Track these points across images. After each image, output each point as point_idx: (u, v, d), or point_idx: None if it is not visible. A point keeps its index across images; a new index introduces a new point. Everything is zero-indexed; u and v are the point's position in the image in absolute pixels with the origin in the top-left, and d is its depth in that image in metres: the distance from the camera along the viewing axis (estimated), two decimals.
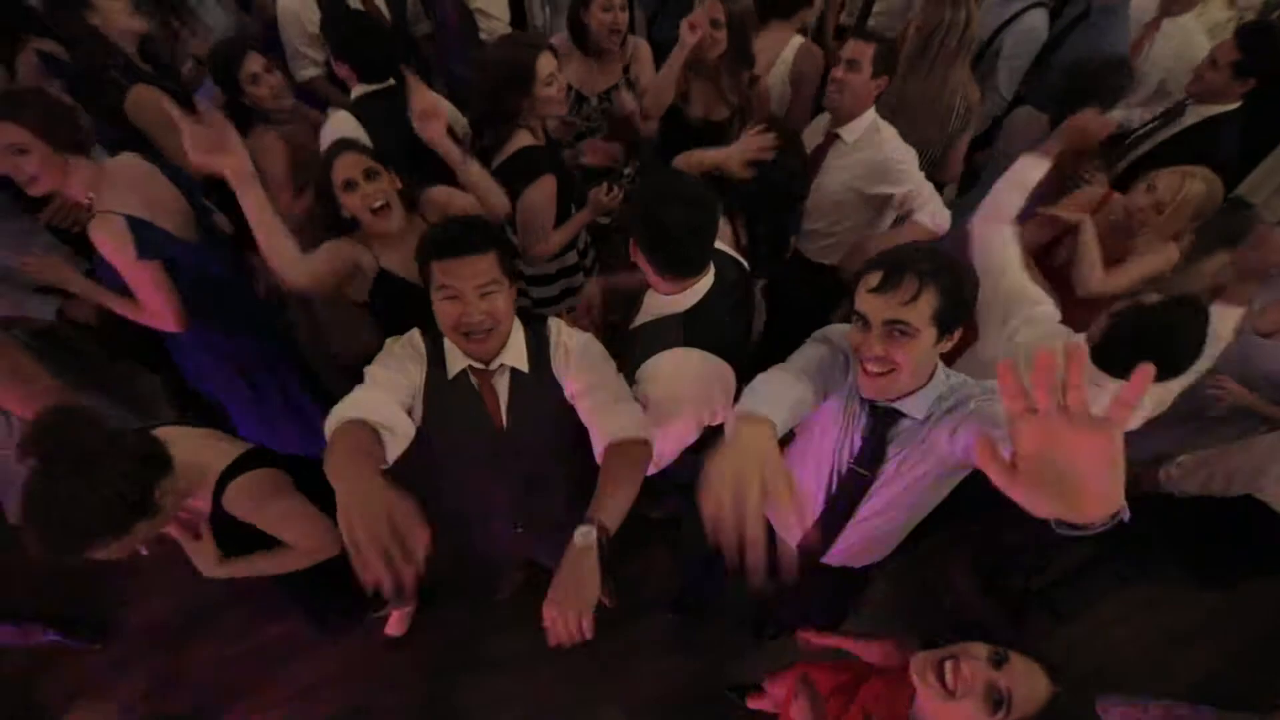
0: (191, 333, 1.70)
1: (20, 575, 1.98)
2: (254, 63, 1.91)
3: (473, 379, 1.26)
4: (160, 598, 2.21)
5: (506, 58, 1.71)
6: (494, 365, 1.25)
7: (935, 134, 2.18)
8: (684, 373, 1.31)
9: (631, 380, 1.34)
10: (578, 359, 1.27)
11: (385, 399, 1.13)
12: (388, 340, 1.28)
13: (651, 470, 1.26)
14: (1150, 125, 2.42)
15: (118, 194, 1.52)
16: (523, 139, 1.77)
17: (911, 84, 2.10)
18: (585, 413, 1.25)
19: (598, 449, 1.20)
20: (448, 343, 1.25)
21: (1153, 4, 2.55)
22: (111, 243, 1.49)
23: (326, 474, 0.92)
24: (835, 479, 1.28)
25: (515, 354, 1.26)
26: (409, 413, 1.17)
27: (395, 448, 1.10)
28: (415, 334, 1.29)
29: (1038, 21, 2.50)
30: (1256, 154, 2.87)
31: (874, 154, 1.89)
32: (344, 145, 1.52)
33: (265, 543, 1.36)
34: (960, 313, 1.06)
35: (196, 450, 1.27)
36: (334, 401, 1.10)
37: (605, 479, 1.09)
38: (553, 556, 1.00)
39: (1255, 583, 1.79)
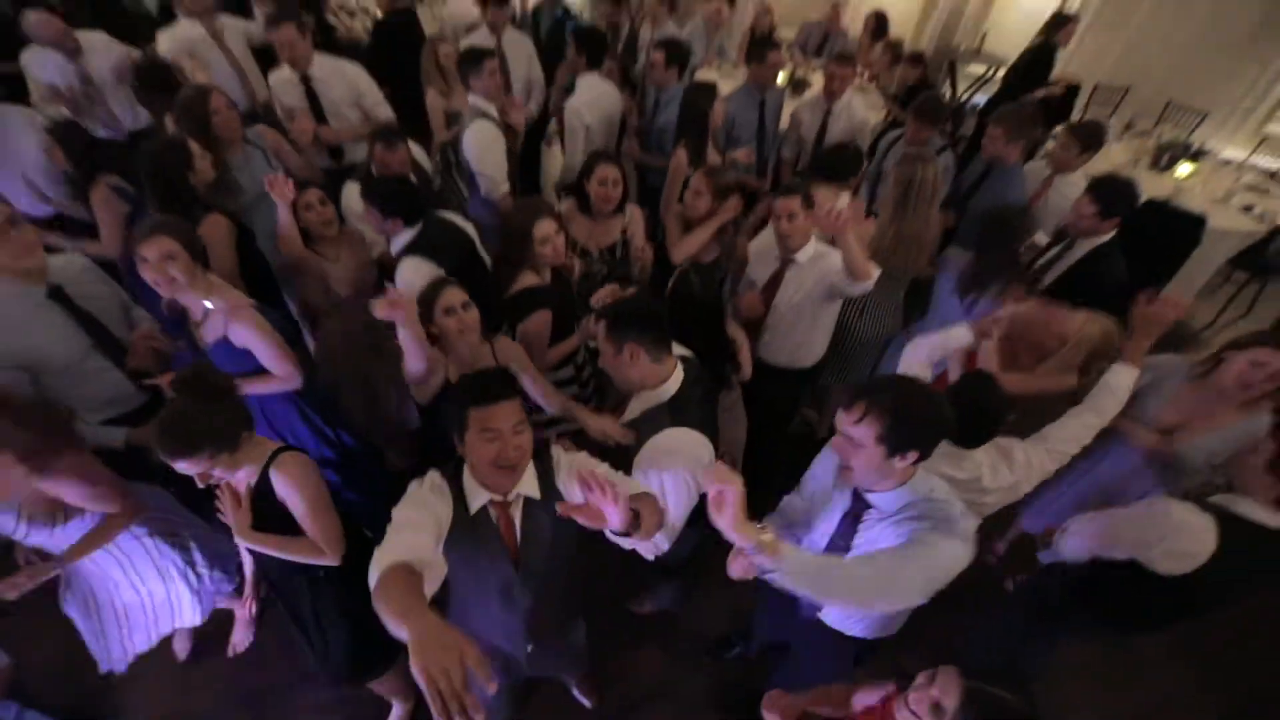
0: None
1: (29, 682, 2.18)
2: (311, 195, 2.36)
3: (492, 512, 1.37)
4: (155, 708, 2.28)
5: (515, 220, 2.16)
6: (511, 496, 1.36)
7: (923, 261, 2.67)
8: (680, 443, 1.61)
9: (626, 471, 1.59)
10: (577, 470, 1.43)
11: (423, 540, 1.20)
12: (411, 485, 1.37)
13: (653, 546, 1.52)
14: (1051, 254, 2.95)
15: (229, 289, 1.94)
16: (527, 279, 2.17)
17: (901, 225, 2.56)
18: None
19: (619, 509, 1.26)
20: (467, 480, 1.37)
21: (1043, 164, 3.16)
22: (259, 328, 1.89)
23: (383, 615, 0.95)
24: (827, 546, 1.57)
25: (529, 483, 1.39)
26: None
27: (432, 587, 1.15)
28: (435, 475, 1.38)
29: (948, 160, 3.13)
30: (1144, 268, 3.54)
31: (825, 267, 2.30)
32: (447, 282, 1.88)
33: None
34: (907, 439, 1.26)
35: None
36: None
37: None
38: (554, 667, 1.18)
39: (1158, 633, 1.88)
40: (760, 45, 3.39)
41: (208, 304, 1.86)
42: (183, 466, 1.38)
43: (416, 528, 1.22)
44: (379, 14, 5.62)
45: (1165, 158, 4.61)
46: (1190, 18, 5.34)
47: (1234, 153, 5.43)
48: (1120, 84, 5.68)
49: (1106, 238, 2.62)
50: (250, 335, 1.90)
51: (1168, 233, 4.00)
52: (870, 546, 1.42)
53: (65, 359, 1.91)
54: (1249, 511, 1.57)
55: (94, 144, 2.65)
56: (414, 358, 1.78)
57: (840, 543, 1.51)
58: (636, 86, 4.00)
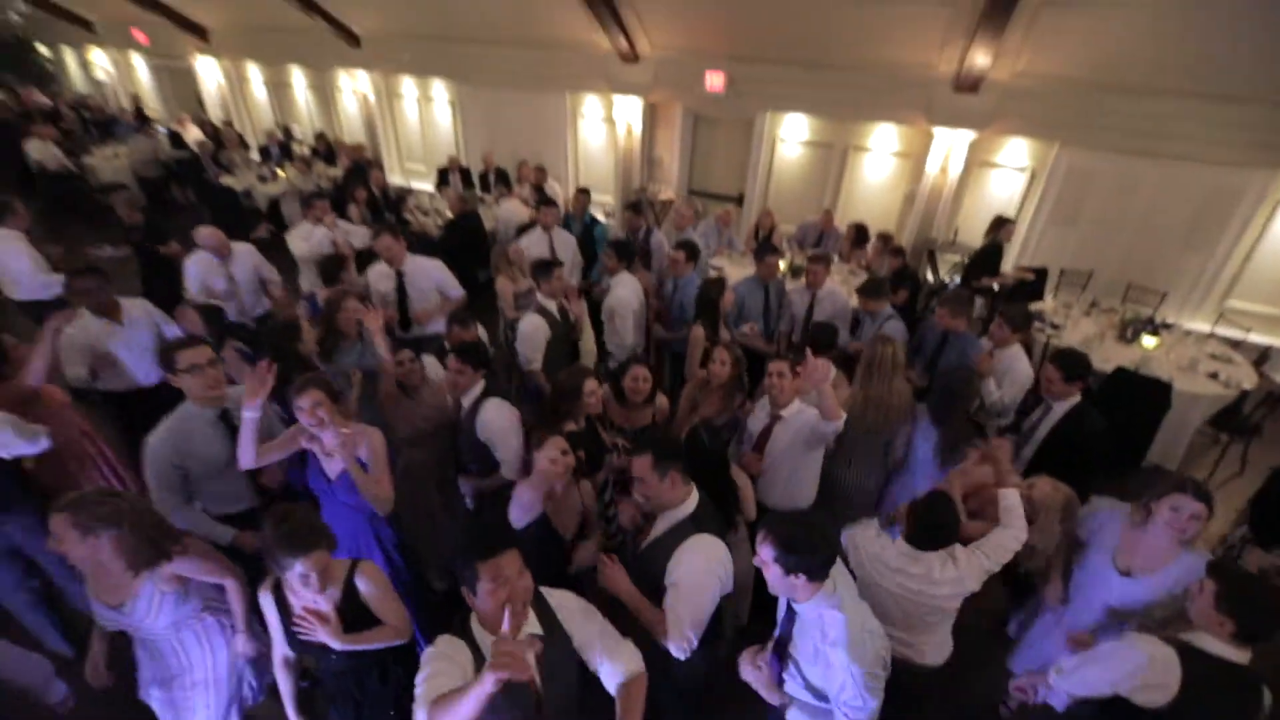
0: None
1: None
2: (404, 354, 3.07)
3: None
4: None
5: (566, 381, 2.77)
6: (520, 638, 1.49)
7: (893, 421, 3.08)
8: (704, 545, 1.98)
9: (653, 583, 1.95)
10: (577, 614, 1.66)
11: (455, 682, 1.36)
12: (425, 651, 1.52)
13: (686, 643, 1.83)
14: (1034, 417, 3.34)
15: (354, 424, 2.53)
16: (568, 426, 2.72)
17: (869, 390, 3.05)
18: (593, 656, 1.62)
19: (611, 685, 1.61)
20: (476, 630, 1.53)
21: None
22: (381, 447, 2.47)
23: (453, 708, 1.21)
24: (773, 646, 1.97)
25: (533, 623, 1.57)
26: None
27: None
28: (445, 637, 1.53)
29: (897, 325, 3.80)
30: (1122, 430, 3.97)
31: (806, 419, 2.76)
32: (564, 439, 2.34)
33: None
34: (793, 564, 1.66)
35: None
36: None
37: (624, 711, 1.55)
38: None
39: None
40: (762, 250, 4.25)
41: (345, 430, 2.38)
42: (299, 567, 1.77)
43: (448, 674, 1.40)
44: (450, 214, 6.89)
45: (1130, 330, 5.18)
46: (1132, 211, 6.23)
47: (1198, 325, 6.02)
48: (1084, 268, 6.46)
49: (1076, 399, 3.07)
50: (375, 451, 2.46)
51: (1139, 397, 4.41)
52: (804, 651, 1.83)
53: (214, 463, 2.49)
54: (1208, 645, 1.77)
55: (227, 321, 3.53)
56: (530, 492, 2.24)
57: (783, 641, 1.90)
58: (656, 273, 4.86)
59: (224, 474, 2.51)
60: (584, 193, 5.73)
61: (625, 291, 4.00)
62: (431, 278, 3.99)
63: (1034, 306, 5.87)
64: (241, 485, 2.61)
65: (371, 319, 3.02)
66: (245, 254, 4.30)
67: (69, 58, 14.61)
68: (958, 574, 2.09)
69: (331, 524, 1.96)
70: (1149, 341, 5.01)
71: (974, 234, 6.98)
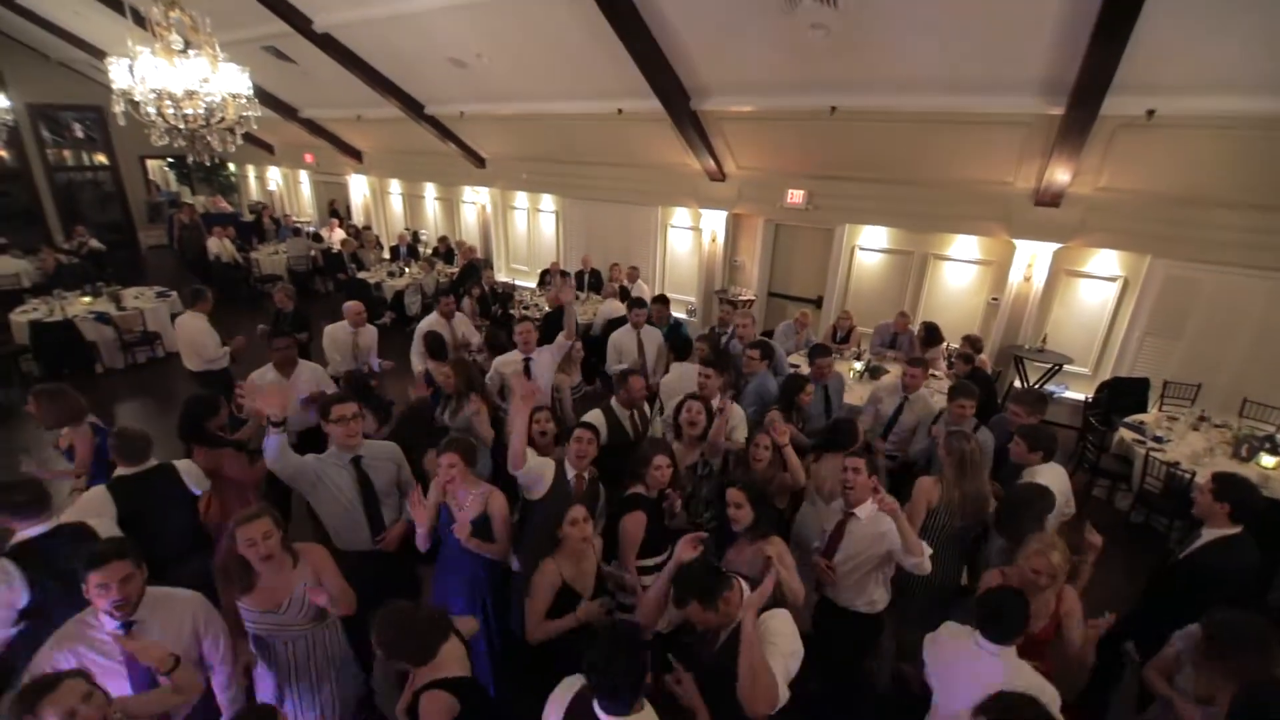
0: None
1: None
2: (474, 403, 3.57)
3: None
4: None
5: (643, 449, 3.05)
6: None
7: (985, 513, 3.13)
8: (781, 621, 2.15)
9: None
10: None
11: None
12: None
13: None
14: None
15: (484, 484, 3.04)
16: (637, 487, 3.00)
17: (965, 487, 3.10)
18: None
19: None
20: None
21: None
22: (505, 507, 2.94)
23: None
24: None
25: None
26: None
27: None
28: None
29: (985, 435, 3.75)
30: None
31: (882, 529, 2.81)
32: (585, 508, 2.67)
33: None
34: None
35: None
36: None
37: None
38: None
39: None
40: (813, 351, 4.66)
41: (475, 491, 2.86)
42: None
43: None
44: (547, 308, 7.64)
45: (1245, 448, 4.83)
46: (1243, 323, 5.92)
47: None
48: (1190, 380, 6.14)
49: (1233, 531, 2.77)
50: (498, 510, 2.87)
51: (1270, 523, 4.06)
52: None
53: (340, 502, 2.98)
54: None
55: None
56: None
57: None
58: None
59: (348, 514, 3.00)
60: (664, 302, 6.04)
61: (673, 378, 4.53)
62: (547, 359, 4.59)
63: (1134, 418, 5.62)
64: (361, 528, 3.06)
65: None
66: (370, 332, 5.45)
67: (250, 172, 17.75)
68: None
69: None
70: (1268, 460, 4.65)
71: (1065, 343, 6.85)
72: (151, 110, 3.96)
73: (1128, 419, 5.60)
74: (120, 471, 2.95)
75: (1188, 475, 4.53)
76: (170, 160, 16.83)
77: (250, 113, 4.39)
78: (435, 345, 4.72)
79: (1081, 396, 6.59)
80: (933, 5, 4.70)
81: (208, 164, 14.15)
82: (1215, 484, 2.81)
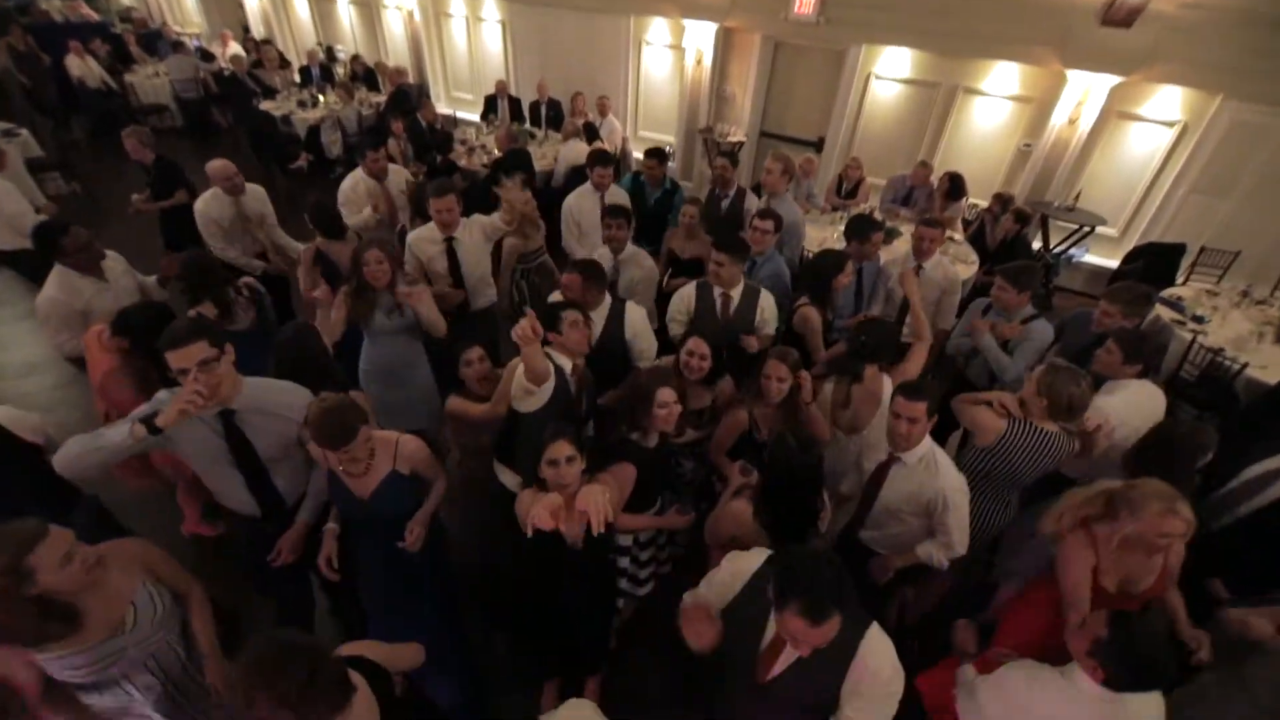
0: None
1: None
2: (474, 354, 2.68)
3: None
4: None
5: (643, 380, 2.25)
6: None
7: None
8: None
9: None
10: None
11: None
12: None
13: None
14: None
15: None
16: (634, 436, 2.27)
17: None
18: None
19: None
20: None
21: None
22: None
23: None
24: None
25: None
26: None
27: None
28: None
29: (1045, 329, 3.07)
30: None
31: (929, 479, 2.20)
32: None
33: None
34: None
35: None
36: None
37: None
38: None
39: None
40: (862, 227, 3.52)
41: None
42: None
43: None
44: (497, 152, 6.27)
45: None
46: None
47: None
48: (1229, 248, 5.47)
49: None
50: (414, 455, 2.17)
51: None
52: None
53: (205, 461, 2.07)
54: None
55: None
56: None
57: None
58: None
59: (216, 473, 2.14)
60: (659, 158, 4.49)
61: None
62: (478, 235, 3.44)
63: (1166, 292, 4.98)
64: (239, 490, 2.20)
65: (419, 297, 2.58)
66: (257, 194, 3.99)
67: None
68: None
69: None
70: None
71: (1099, 200, 5.98)
72: None
73: (1163, 294, 4.96)
74: None
75: (1235, 366, 3.99)
76: None
77: None
78: (321, 216, 3.57)
79: (1104, 262, 5.91)
80: None
81: None
82: None
